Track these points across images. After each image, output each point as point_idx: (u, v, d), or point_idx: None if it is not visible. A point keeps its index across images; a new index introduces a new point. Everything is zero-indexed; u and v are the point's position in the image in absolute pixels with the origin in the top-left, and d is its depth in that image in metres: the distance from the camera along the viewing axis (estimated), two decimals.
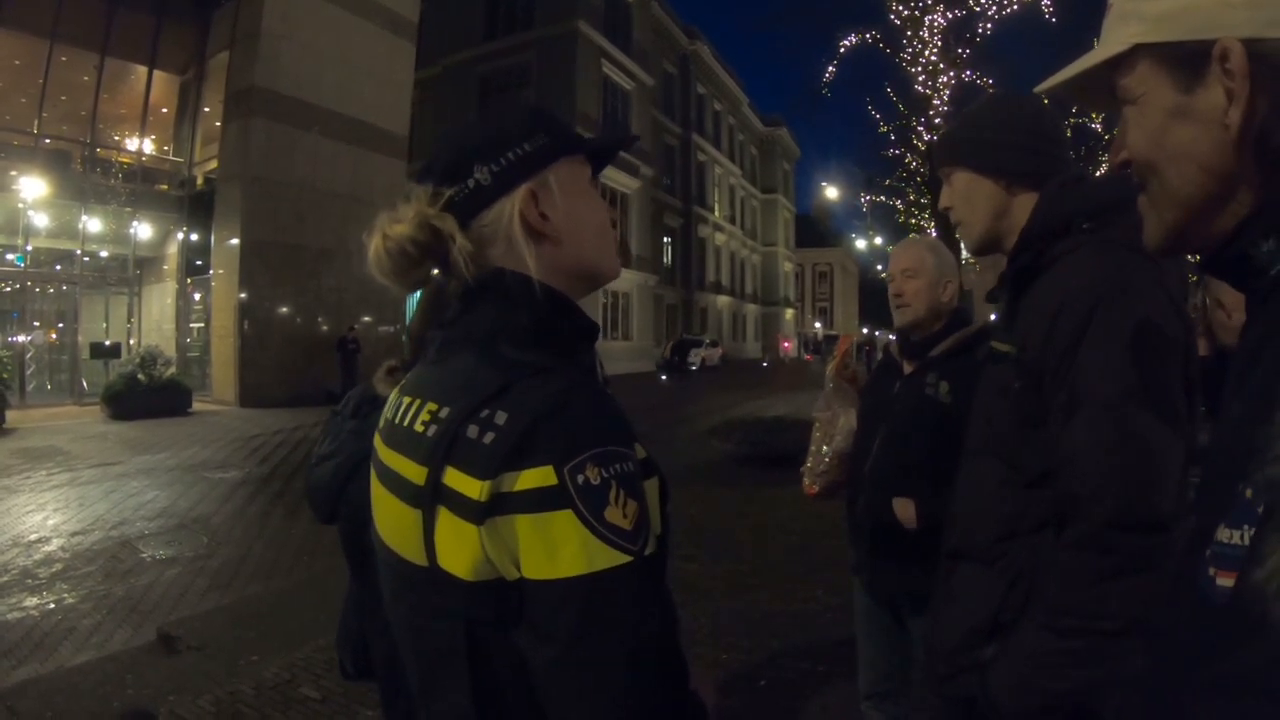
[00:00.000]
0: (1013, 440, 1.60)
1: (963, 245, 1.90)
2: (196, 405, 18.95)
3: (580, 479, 0.92)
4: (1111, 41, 0.89)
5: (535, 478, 0.93)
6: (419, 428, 1.04)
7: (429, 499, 0.99)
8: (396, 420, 1.11)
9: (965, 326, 2.55)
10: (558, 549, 0.92)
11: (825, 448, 2.83)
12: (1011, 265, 1.68)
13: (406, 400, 1.11)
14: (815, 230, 75.64)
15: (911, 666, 2.64)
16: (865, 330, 70.56)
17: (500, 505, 0.93)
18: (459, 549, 0.97)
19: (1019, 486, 1.58)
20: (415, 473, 1.01)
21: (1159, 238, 0.91)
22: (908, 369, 2.60)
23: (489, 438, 0.95)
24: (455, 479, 0.96)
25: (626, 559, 0.93)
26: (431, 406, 1.04)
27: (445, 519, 0.97)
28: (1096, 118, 15.03)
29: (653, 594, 1.00)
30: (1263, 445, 0.70)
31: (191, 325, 22.91)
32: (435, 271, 1.17)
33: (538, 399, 0.97)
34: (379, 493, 1.13)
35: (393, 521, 1.08)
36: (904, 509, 2.37)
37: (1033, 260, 1.62)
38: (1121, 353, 1.39)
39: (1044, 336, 1.49)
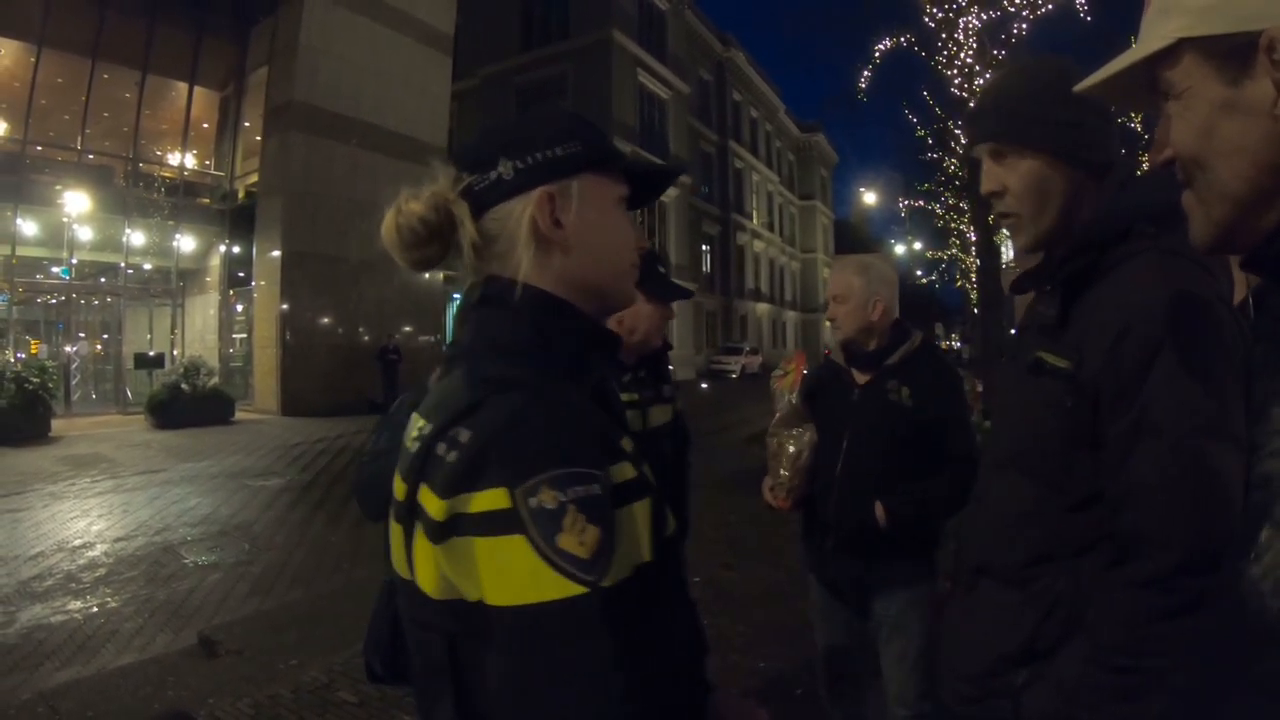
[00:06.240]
0: (1057, 460, 1.48)
1: (1012, 242, 1.70)
2: (239, 414, 19.24)
3: (533, 502, 0.88)
4: (1154, 36, 0.86)
5: (489, 500, 0.90)
6: (409, 444, 1.05)
7: (406, 515, 1.00)
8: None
9: (906, 338, 2.77)
10: (508, 575, 0.89)
11: (790, 463, 2.88)
12: (1062, 268, 1.51)
13: (415, 418, 1.12)
14: (854, 236, 75.21)
15: (872, 655, 2.76)
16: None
17: (457, 526, 0.92)
18: (427, 567, 0.97)
19: (1060, 509, 1.47)
20: (399, 489, 1.04)
21: (1207, 235, 0.88)
22: (861, 378, 2.80)
23: (452, 456, 0.94)
24: (424, 496, 0.96)
25: (580, 590, 0.88)
26: (420, 423, 1.04)
27: (418, 536, 0.98)
28: (1136, 117, 14.80)
29: (616, 627, 0.90)
30: (1262, 441, 0.68)
31: (234, 336, 23.26)
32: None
33: (498, 416, 0.94)
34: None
35: (389, 535, 1.09)
36: (878, 509, 2.59)
37: (1090, 264, 1.48)
38: (1196, 383, 1.29)
39: (1106, 356, 1.38)
